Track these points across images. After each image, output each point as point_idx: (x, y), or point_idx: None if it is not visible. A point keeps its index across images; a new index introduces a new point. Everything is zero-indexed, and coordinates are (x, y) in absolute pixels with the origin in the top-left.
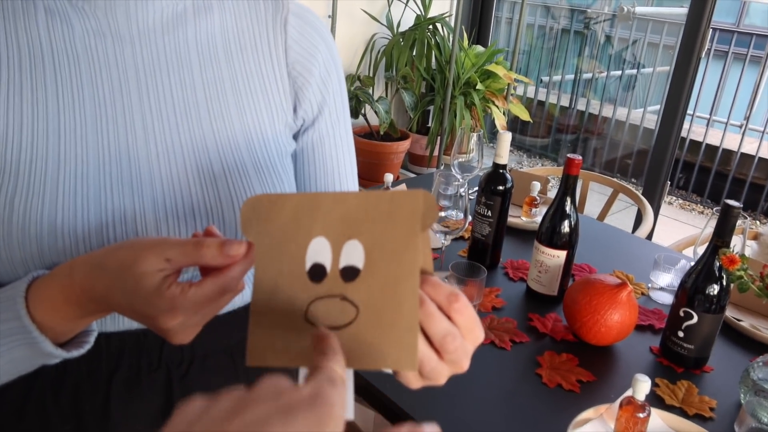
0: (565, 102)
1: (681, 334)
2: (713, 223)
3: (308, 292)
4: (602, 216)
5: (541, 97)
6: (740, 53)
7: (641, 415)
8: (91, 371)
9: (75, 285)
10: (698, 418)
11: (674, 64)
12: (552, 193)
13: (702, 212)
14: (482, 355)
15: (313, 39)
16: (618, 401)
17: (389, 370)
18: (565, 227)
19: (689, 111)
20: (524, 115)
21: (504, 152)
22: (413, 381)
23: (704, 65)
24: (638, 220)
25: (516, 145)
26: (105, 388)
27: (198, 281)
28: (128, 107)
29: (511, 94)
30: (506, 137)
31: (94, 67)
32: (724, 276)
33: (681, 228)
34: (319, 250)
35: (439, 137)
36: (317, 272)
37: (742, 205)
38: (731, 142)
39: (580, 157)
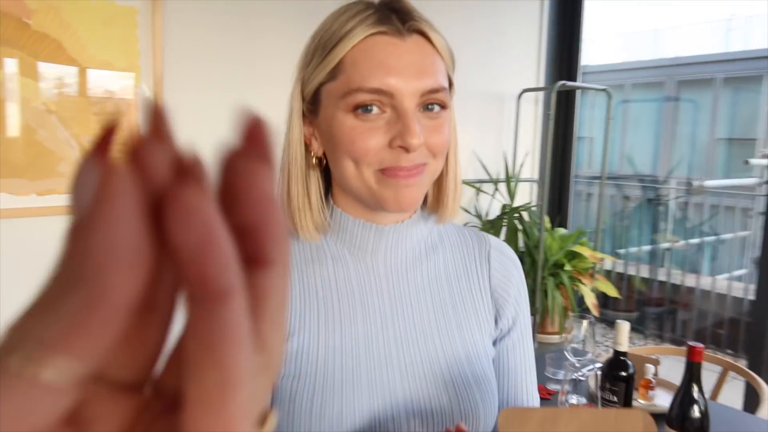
0: (645, 273)
1: None
2: None
3: None
4: (715, 396)
5: (619, 269)
6: None
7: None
8: None
9: None
10: None
11: (763, 230)
12: (664, 373)
13: None
14: None
15: (509, 267)
16: None
17: None
18: (696, 413)
19: None
20: (612, 292)
21: (624, 340)
22: None
23: None
24: (748, 398)
25: (606, 321)
26: None
27: None
28: (385, 326)
29: (597, 272)
30: (625, 326)
31: (364, 297)
32: None
33: None
34: None
35: (532, 317)
36: None
37: None
38: None
39: (702, 345)
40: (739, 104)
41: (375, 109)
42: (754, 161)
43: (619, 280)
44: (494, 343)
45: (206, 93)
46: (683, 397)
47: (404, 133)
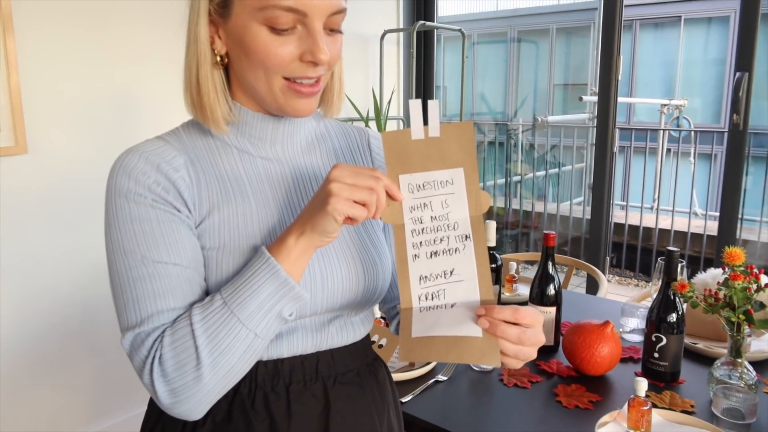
0: (501, 203)
1: (656, 355)
2: (658, 275)
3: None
4: (564, 286)
5: None
6: (639, 147)
7: (645, 408)
8: (273, 385)
9: (295, 231)
10: (684, 413)
11: (594, 160)
12: (522, 275)
13: (637, 285)
14: (510, 395)
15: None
16: (625, 404)
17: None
18: (552, 289)
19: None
20: None
21: (492, 236)
22: (514, 363)
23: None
24: (590, 290)
25: None
26: (285, 395)
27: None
28: (292, 204)
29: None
30: (492, 224)
31: (271, 180)
32: (679, 304)
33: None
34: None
35: None
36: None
37: (680, 250)
38: (649, 221)
39: (554, 232)
40: (571, 52)
41: (288, 29)
42: (586, 98)
43: None
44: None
45: (59, 32)
46: (541, 276)
47: (315, 50)
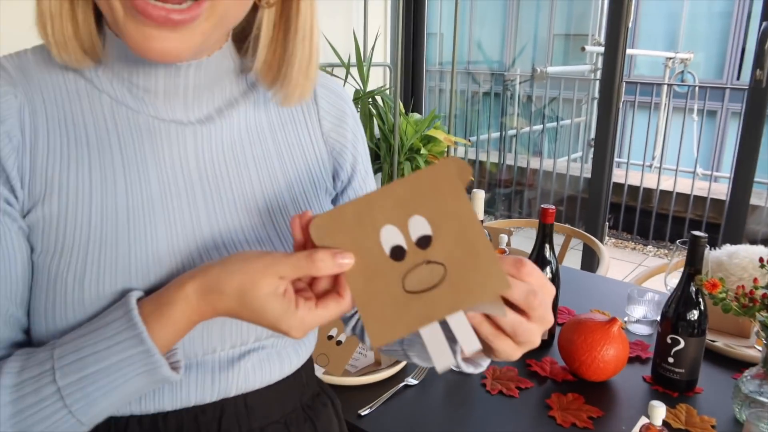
0: (494, 158)
1: (671, 360)
2: (676, 256)
3: (397, 270)
4: (560, 260)
5: (471, 155)
6: (642, 101)
7: None
8: None
9: (194, 308)
10: None
11: (597, 115)
12: (515, 245)
13: (634, 248)
14: (494, 405)
15: (341, 106)
16: (637, 429)
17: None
18: (548, 273)
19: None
20: None
21: (479, 208)
22: (512, 350)
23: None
24: (586, 260)
25: None
26: None
27: (321, 303)
28: (189, 183)
29: (452, 156)
30: (480, 194)
31: (156, 148)
32: (701, 301)
33: (621, 264)
34: (390, 236)
35: None
36: (397, 252)
37: (707, 235)
38: (649, 182)
39: (554, 207)
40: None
41: None
42: (589, 48)
43: (472, 164)
44: (334, 201)
45: None
46: (537, 258)
47: None
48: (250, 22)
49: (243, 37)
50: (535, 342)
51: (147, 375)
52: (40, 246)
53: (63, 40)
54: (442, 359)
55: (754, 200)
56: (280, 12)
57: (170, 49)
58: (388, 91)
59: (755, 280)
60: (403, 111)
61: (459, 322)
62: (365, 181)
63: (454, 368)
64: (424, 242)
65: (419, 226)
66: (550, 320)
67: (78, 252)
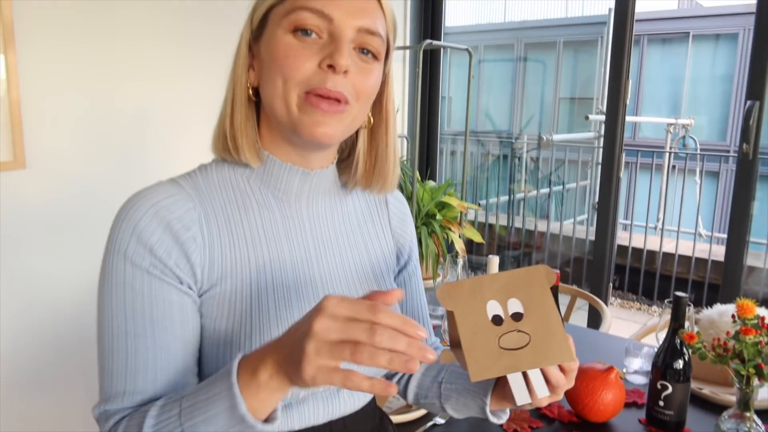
0: (503, 221)
1: (662, 403)
2: (665, 314)
3: (496, 331)
4: (566, 318)
5: (481, 218)
6: (645, 163)
7: None
8: None
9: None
10: None
11: (600, 181)
12: None
13: (639, 308)
14: None
15: (404, 211)
16: None
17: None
18: None
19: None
20: (477, 238)
21: (495, 271)
22: (545, 398)
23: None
24: (591, 319)
25: (472, 267)
26: None
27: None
28: (311, 267)
29: (464, 221)
30: (495, 259)
31: (290, 240)
32: (686, 351)
33: (626, 324)
34: (493, 308)
35: None
36: (497, 320)
37: (688, 295)
38: (653, 244)
39: (558, 271)
40: (578, 66)
41: (313, 35)
42: (592, 117)
43: (482, 227)
44: (395, 278)
45: (62, 45)
46: None
47: (334, 53)
48: (348, 144)
49: (340, 159)
50: (560, 396)
51: (229, 414)
52: (215, 313)
53: (249, 148)
54: (521, 397)
55: (753, 261)
56: (371, 132)
57: (327, 132)
58: (407, 161)
59: (727, 333)
60: (419, 178)
61: (534, 376)
62: (416, 267)
63: (481, 416)
64: (517, 317)
65: (515, 305)
66: (572, 385)
67: (244, 317)
